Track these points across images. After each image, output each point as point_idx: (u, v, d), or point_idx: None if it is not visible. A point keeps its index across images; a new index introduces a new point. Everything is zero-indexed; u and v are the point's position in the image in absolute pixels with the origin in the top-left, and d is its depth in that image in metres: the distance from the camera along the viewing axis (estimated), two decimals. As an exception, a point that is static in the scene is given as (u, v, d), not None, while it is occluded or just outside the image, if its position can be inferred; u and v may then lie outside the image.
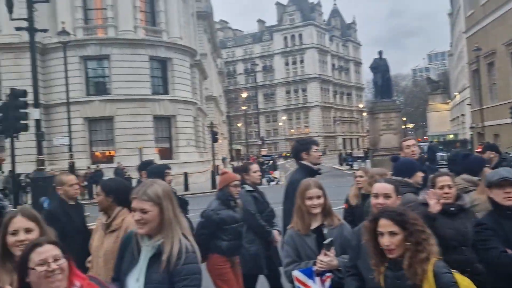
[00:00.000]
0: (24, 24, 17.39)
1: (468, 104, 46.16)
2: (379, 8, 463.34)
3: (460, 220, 3.72)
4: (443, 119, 74.13)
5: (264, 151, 74.03)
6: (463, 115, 61.63)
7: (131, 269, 2.59)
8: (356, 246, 3.14)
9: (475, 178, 4.52)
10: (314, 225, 3.53)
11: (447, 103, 77.67)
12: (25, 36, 25.19)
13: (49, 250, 2.24)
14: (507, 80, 31.55)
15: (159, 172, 5.22)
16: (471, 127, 41.37)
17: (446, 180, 3.82)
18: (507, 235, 3.27)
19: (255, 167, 5.85)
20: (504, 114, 28.87)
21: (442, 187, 3.79)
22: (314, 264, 3.35)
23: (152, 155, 29.54)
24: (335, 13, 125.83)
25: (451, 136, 58.37)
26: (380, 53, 30.30)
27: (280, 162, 63.02)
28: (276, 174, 35.33)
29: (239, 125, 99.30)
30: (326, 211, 3.58)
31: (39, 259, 2.20)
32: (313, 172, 4.83)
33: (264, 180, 32.67)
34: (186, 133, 34.42)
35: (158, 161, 28.74)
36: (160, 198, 2.58)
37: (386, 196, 3.30)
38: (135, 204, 2.57)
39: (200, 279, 2.58)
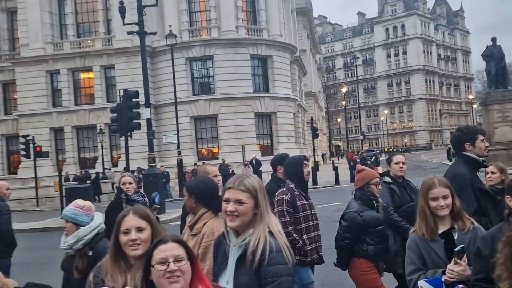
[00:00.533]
0: (135, 28, 18.43)
1: None
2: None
3: None
4: None
5: (365, 147, 72.25)
6: None
7: (222, 271, 2.47)
8: (489, 256, 2.75)
9: None
10: (442, 229, 3.15)
11: None
12: (136, 41, 26.92)
13: (172, 249, 2.13)
14: None
15: (298, 164, 4.93)
16: None
17: None
18: None
19: (398, 158, 5.35)
20: None
21: None
22: (443, 273, 2.97)
23: (253, 151, 30.08)
24: (441, 0, 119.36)
25: None
26: (493, 40, 28.12)
27: (382, 157, 61.08)
28: (379, 169, 34.25)
29: (338, 120, 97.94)
30: (456, 213, 3.17)
31: (159, 257, 2.11)
32: (478, 165, 4.35)
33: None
34: (287, 129, 34.52)
35: (259, 157, 29.19)
36: (257, 191, 2.44)
37: None
38: (229, 194, 2.43)
39: (291, 282, 2.35)
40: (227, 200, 2.45)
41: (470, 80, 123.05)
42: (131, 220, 2.59)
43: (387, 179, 5.24)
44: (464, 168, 4.18)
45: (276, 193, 4.78)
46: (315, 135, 36.67)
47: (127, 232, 2.57)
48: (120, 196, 5.71)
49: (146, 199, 6.02)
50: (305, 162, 4.96)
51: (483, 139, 4.37)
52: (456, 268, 2.89)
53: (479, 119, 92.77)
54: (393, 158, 5.38)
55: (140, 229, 2.58)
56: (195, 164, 28.58)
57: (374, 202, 4.69)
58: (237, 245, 2.43)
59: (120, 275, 2.53)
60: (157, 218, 5.70)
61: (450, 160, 45.73)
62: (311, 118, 43.02)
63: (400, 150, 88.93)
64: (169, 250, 2.13)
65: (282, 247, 2.38)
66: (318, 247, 4.81)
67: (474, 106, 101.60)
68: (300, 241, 4.62)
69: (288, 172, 4.99)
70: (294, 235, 4.60)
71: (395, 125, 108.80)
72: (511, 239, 2.12)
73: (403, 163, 5.30)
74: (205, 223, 3.40)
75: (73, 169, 31.86)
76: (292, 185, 4.78)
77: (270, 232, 2.42)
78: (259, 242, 2.35)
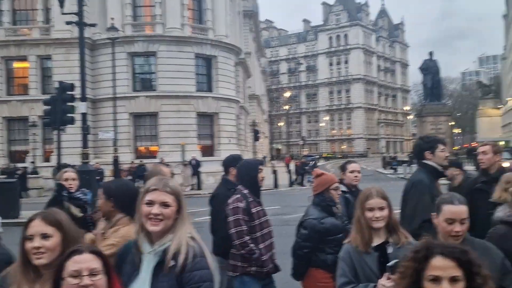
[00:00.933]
0: (75, 18, 17.67)
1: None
2: (429, 9, 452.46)
3: None
4: (494, 125, 71.31)
5: (305, 151, 73.42)
6: (515, 121, 59.20)
7: (132, 282, 2.30)
8: None
9: None
10: (377, 241, 3.06)
11: (499, 108, 74.78)
12: (76, 32, 25.83)
13: (87, 261, 1.95)
14: None
15: (253, 168, 4.57)
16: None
17: None
18: None
19: (353, 166, 5.13)
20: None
21: None
22: None
23: (194, 151, 29.72)
24: (383, 13, 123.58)
25: (502, 142, 56.11)
26: (430, 54, 29.39)
27: (320, 163, 62.33)
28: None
29: (280, 124, 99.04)
30: (391, 226, 3.10)
31: (72, 269, 1.93)
32: (438, 174, 4.38)
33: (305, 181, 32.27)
34: (228, 130, 34.38)
35: (199, 158, 28.85)
36: (180, 194, 2.35)
37: (463, 221, 2.80)
38: (155, 196, 2.29)
39: (214, 287, 2.30)
40: (151, 203, 2.28)
41: (407, 92, 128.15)
42: (36, 226, 2.34)
43: (342, 187, 4.99)
44: (424, 175, 4.26)
45: (230, 201, 4.47)
46: (256, 137, 36.81)
47: (30, 238, 2.32)
48: (60, 193, 5.29)
49: (88, 196, 5.64)
50: (260, 167, 4.68)
51: (444, 149, 4.45)
52: (388, 284, 2.75)
53: (414, 129, 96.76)
54: (348, 166, 5.16)
55: (45, 236, 2.32)
56: (132, 162, 27.88)
57: (334, 208, 4.44)
58: (153, 252, 2.27)
59: (27, 286, 2.29)
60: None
61: (384, 168, 47.29)
62: (253, 120, 43.18)
63: (337, 156, 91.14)
64: (84, 262, 1.94)
65: (205, 252, 2.31)
66: (273, 254, 4.58)
67: (409, 117, 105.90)
68: (257, 252, 4.35)
69: (241, 176, 4.66)
70: (251, 245, 4.33)
71: (334, 131, 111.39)
72: (410, 271, 1.87)
73: (358, 172, 5.14)
74: (122, 228, 3.12)
75: (1, 162, 30.18)
76: (246, 191, 4.48)
77: (191, 237, 2.33)
78: (182, 247, 2.24)
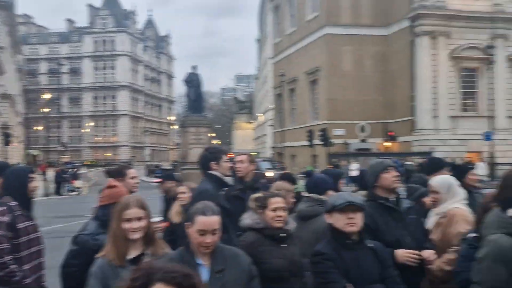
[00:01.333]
0: None
1: (270, 125, 49.80)
2: (194, 25, 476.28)
3: (288, 247, 3.49)
4: (247, 138, 78.77)
5: (65, 158, 69.20)
6: (264, 135, 66.41)
7: None
8: None
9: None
10: (133, 254, 2.93)
11: (251, 123, 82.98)
12: None
13: None
14: (305, 106, 34.95)
15: (22, 177, 4.01)
16: (273, 147, 44.61)
17: (280, 201, 3.55)
18: (347, 267, 3.06)
19: (132, 172, 4.79)
20: (301, 137, 31.85)
21: (275, 210, 3.49)
22: None
23: None
24: (150, 24, 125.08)
25: (254, 153, 62.33)
26: (194, 67, 30.61)
27: (82, 170, 59.43)
28: (78, 183, 33.11)
29: (38, 128, 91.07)
30: (149, 237, 2.99)
31: None
32: (223, 184, 4.46)
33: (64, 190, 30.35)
34: (-27, 133, 30.11)
35: None
36: None
37: (214, 232, 2.79)
38: None
39: None
40: None
41: (172, 102, 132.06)
42: None
43: None
44: (209, 185, 4.37)
45: None
46: (6, 142, 33.17)
47: None
48: None
49: None
50: (31, 175, 4.07)
51: (228, 159, 4.65)
52: None
53: (178, 139, 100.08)
54: (128, 171, 4.81)
55: None
56: None
57: None
58: None
59: None
60: None
61: (148, 176, 47.66)
62: (5, 123, 38.86)
63: (100, 164, 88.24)
64: None
65: None
66: (40, 276, 4.00)
67: (174, 127, 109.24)
68: (19, 274, 3.74)
69: (8, 186, 4.01)
70: (12, 266, 3.72)
71: (99, 138, 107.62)
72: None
73: (137, 178, 4.89)
74: None
75: None
76: (13, 203, 3.88)
77: None
78: None
